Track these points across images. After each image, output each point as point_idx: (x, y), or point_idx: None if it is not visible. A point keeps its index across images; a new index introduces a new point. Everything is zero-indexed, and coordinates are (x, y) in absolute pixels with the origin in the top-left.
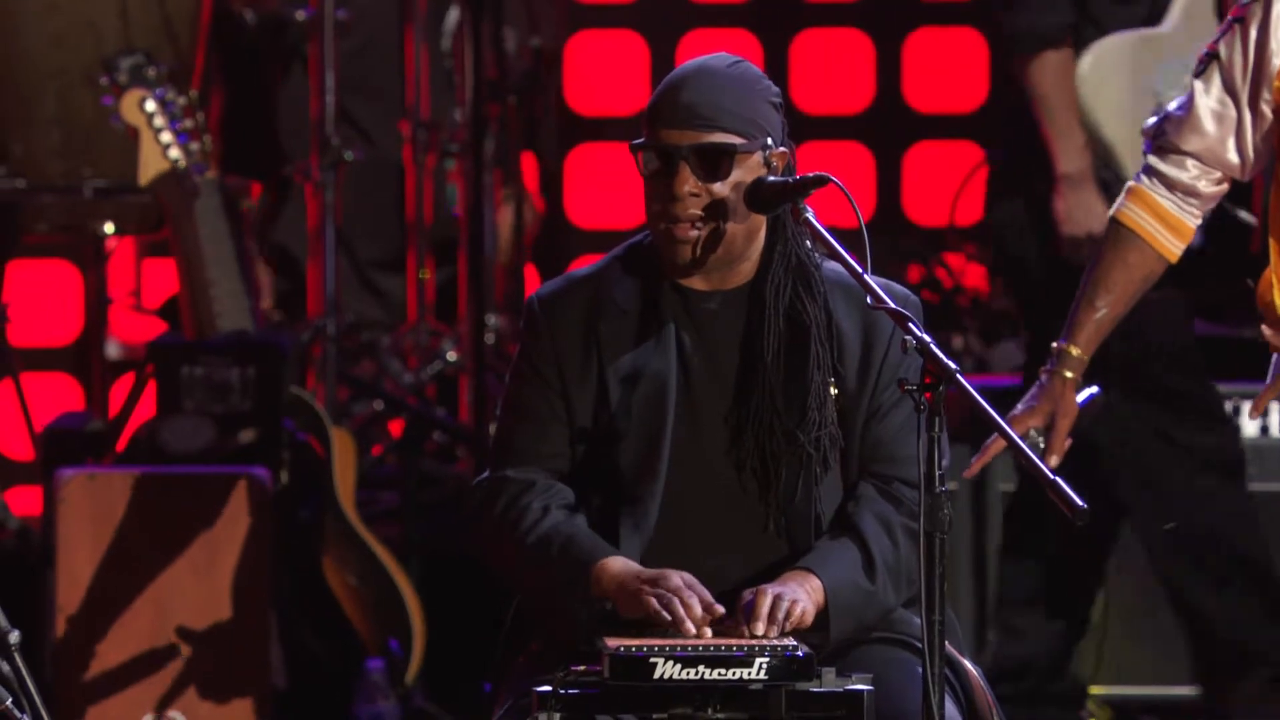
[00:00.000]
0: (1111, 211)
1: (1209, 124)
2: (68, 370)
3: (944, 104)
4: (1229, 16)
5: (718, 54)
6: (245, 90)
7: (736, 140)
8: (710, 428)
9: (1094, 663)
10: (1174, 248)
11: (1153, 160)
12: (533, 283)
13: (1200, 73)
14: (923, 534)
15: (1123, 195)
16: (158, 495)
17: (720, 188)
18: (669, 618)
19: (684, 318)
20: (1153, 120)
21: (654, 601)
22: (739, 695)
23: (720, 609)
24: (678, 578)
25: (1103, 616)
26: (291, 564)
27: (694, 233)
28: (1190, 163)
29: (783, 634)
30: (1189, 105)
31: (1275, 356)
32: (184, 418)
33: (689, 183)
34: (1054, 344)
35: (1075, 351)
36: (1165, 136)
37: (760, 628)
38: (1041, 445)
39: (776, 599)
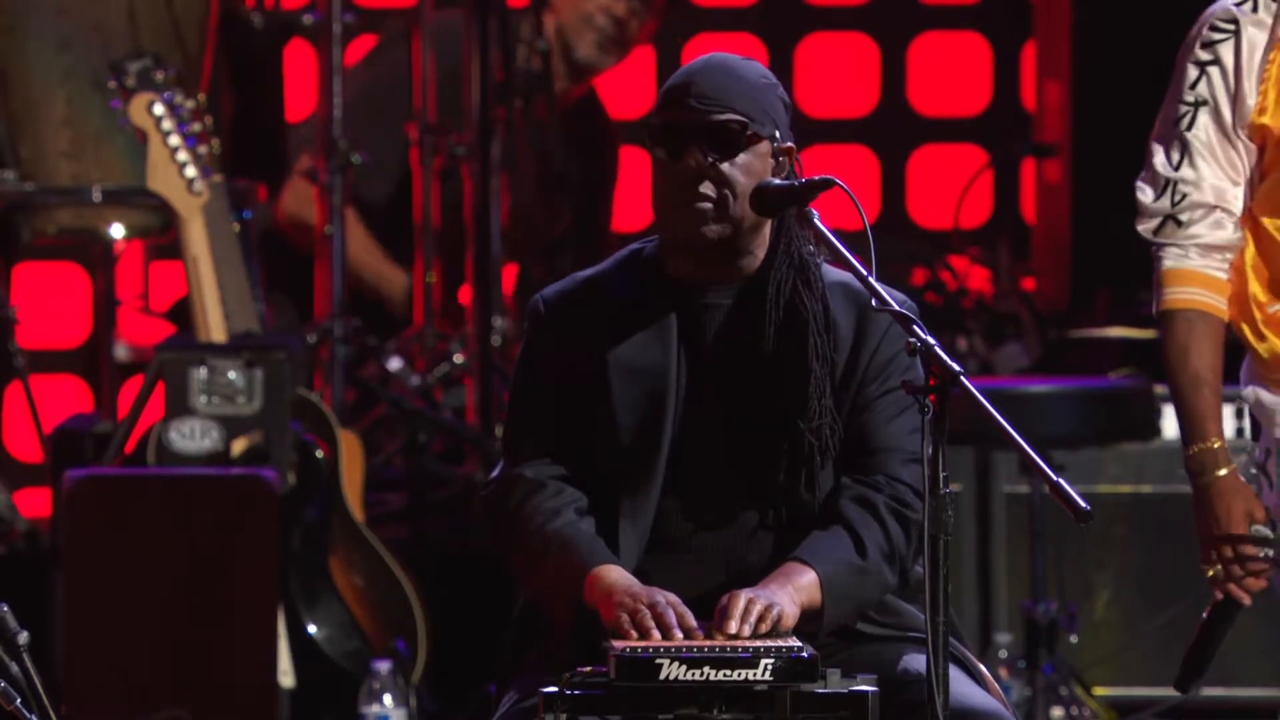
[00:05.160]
0: (1167, 305)
1: (1224, 168)
2: (76, 372)
3: (948, 107)
4: (1193, 59)
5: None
6: (253, 93)
7: (744, 119)
8: (712, 419)
9: (1094, 663)
10: (1225, 308)
11: (1185, 235)
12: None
13: (1191, 125)
14: (926, 536)
15: (1169, 285)
16: (166, 497)
17: (730, 168)
18: (634, 634)
19: (685, 313)
20: (1155, 200)
21: (624, 617)
22: (744, 696)
23: (700, 634)
24: (661, 597)
25: (1103, 616)
26: (298, 565)
27: (706, 207)
28: (1219, 214)
29: (756, 634)
30: (1193, 160)
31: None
32: (192, 419)
33: (696, 160)
34: (1195, 449)
35: (1219, 443)
36: (1187, 201)
37: (733, 626)
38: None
39: (750, 601)
